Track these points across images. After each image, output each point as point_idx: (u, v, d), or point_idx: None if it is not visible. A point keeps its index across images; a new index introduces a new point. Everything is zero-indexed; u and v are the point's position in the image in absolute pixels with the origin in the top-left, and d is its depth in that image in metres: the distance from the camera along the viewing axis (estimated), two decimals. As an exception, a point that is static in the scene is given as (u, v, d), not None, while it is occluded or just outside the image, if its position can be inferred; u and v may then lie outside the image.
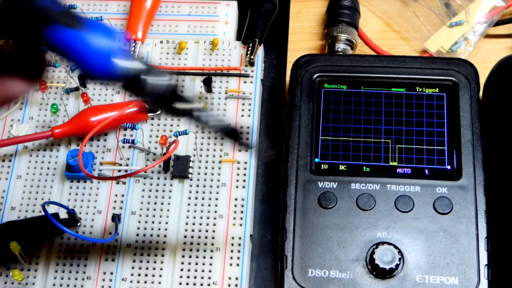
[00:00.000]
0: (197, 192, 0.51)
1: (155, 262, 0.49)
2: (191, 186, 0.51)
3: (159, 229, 0.50)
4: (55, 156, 0.52)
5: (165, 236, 0.49)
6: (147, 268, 0.49)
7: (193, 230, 0.50)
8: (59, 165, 0.52)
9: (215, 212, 0.50)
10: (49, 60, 0.52)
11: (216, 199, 0.50)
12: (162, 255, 0.49)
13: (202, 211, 0.50)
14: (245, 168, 0.51)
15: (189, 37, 0.56)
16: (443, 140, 0.51)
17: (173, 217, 0.50)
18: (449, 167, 0.50)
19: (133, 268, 0.49)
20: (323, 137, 0.52)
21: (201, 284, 0.48)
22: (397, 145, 0.51)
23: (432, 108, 0.52)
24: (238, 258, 0.49)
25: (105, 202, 0.51)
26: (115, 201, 0.51)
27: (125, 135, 0.53)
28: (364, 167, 0.51)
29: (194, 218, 0.50)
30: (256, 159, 0.53)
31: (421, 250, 0.47)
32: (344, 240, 0.48)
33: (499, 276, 0.47)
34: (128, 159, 0.52)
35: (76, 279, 0.49)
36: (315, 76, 0.53)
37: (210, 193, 0.51)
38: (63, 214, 0.50)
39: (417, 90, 0.53)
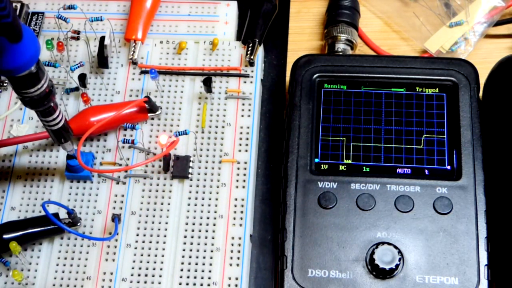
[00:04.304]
0: (197, 192, 0.51)
1: (155, 262, 0.49)
2: (191, 186, 0.51)
3: (159, 229, 0.50)
4: (55, 156, 0.52)
5: (165, 236, 0.49)
6: (147, 268, 0.49)
7: (193, 230, 0.50)
8: (59, 165, 0.52)
9: (215, 212, 0.50)
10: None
11: (216, 199, 0.50)
12: (162, 255, 0.49)
13: (202, 211, 0.50)
14: (245, 168, 0.51)
15: (189, 37, 0.56)
16: (443, 140, 0.51)
17: (173, 217, 0.50)
18: (449, 167, 0.50)
19: (133, 268, 0.49)
20: (323, 137, 0.52)
21: (201, 284, 0.48)
22: (397, 145, 0.51)
23: (432, 108, 0.52)
24: (238, 258, 0.49)
25: (105, 202, 0.51)
26: (115, 201, 0.51)
27: (125, 135, 0.53)
28: (364, 167, 0.51)
29: (194, 218, 0.50)
30: (256, 159, 0.53)
31: (421, 250, 0.47)
32: (344, 240, 0.48)
33: (499, 276, 0.47)
34: (128, 159, 0.52)
35: (76, 279, 0.49)
36: (315, 76, 0.53)
37: (210, 193, 0.51)
38: (63, 214, 0.50)
39: (417, 90, 0.53)
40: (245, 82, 0.55)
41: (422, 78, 0.53)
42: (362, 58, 0.54)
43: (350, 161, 0.51)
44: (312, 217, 0.49)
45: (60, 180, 0.52)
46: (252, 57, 0.54)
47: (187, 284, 0.48)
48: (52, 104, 0.44)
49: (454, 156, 0.50)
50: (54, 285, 0.49)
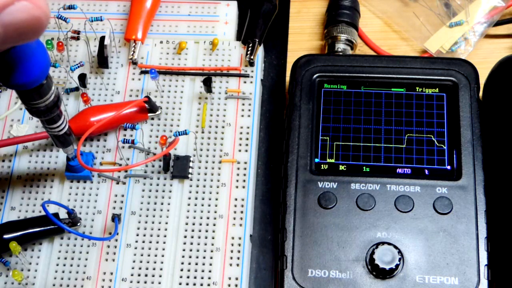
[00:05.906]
0: (197, 192, 0.51)
1: (155, 262, 0.49)
2: (191, 186, 0.51)
3: (159, 229, 0.50)
4: (55, 156, 0.52)
5: (165, 236, 0.49)
6: (147, 268, 0.49)
7: (193, 230, 0.50)
8: (59, 165, 0.52)
9: (215, 212, 0.50)
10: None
11: (216, 199, 0.50)
12: (162, 255, 0.49)
13: (202, 211, 0.50)
14: (245, 168, 0.51)
15: (189, 37, 0.56)
16: (443, 140, 0.51)
17: (173, 217, 0.50)
18: (449, 167, 0.50)
19: (133, 268, 0.49)
20: (323, 137, 0.52)
21: (201, 284, 0.48)
22: (397, 145, 0.51)
23: (432, 108, 0.52)
24: (238, 258, 0.49)
25: (105, 202, 0.51)
26: (115, 201, 0.51)
27: (125, 135, 0.53)
28: (364, 167, 0.51)
29: (194, 218, 0.50)
30: (256, 159, 0.53)
31: (421, 250, 0.47)
32: (344, 240, 0.48)
33: (499, 276, 0.47)
34: (128, 159, 0.52)
35: (76, 279, 0.49)
36: (315, 76, 0.53)
37: (210, 193, 0.51)
38: (63, 214, 0.50)
39: (417, 90, 0.53)
40: (245, 82, 0.55)
41: (422, 78, 0.53)
42: (362, 58, 0.54)
43: (350, 161, 0.51)
44: (312, 217, 0.49)
45: (60, 180, 0.52)
46: (252, 57, 0.54)
47: (187, 284, 0.48)
48: (57, 113, 0.43)
49: (454, 156, 0.50)
50: (54, 285, 0.49)
